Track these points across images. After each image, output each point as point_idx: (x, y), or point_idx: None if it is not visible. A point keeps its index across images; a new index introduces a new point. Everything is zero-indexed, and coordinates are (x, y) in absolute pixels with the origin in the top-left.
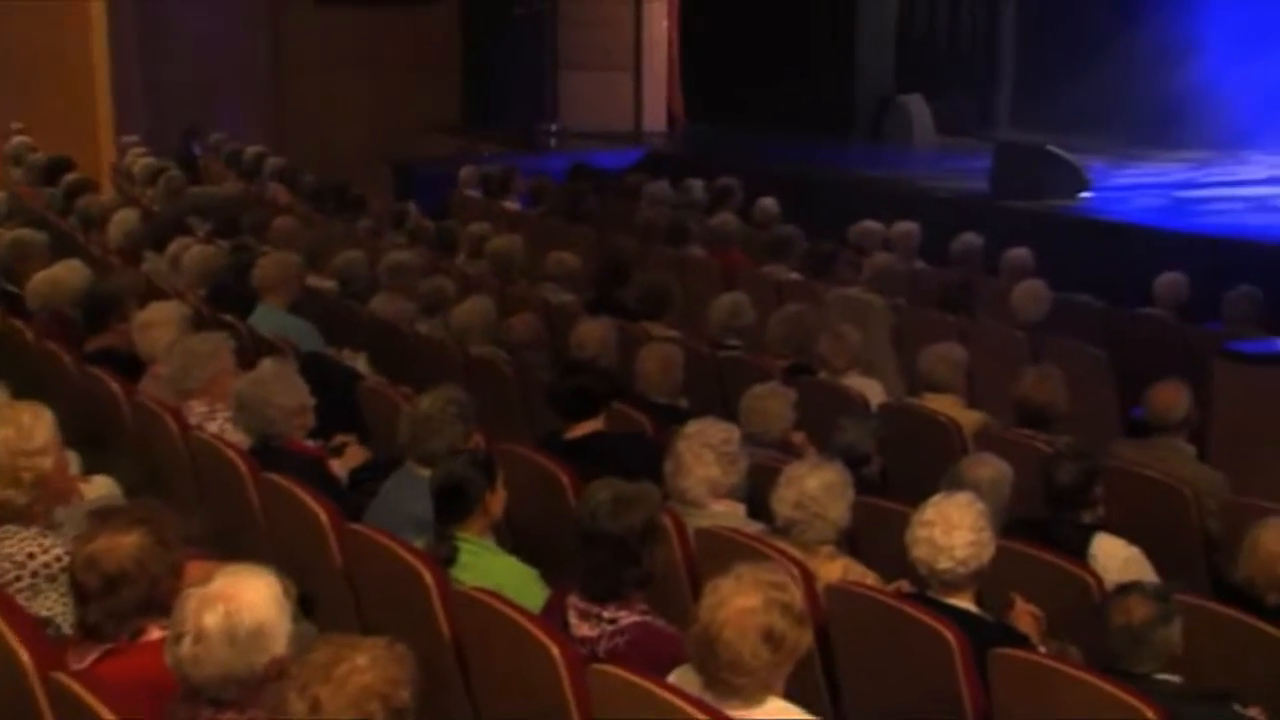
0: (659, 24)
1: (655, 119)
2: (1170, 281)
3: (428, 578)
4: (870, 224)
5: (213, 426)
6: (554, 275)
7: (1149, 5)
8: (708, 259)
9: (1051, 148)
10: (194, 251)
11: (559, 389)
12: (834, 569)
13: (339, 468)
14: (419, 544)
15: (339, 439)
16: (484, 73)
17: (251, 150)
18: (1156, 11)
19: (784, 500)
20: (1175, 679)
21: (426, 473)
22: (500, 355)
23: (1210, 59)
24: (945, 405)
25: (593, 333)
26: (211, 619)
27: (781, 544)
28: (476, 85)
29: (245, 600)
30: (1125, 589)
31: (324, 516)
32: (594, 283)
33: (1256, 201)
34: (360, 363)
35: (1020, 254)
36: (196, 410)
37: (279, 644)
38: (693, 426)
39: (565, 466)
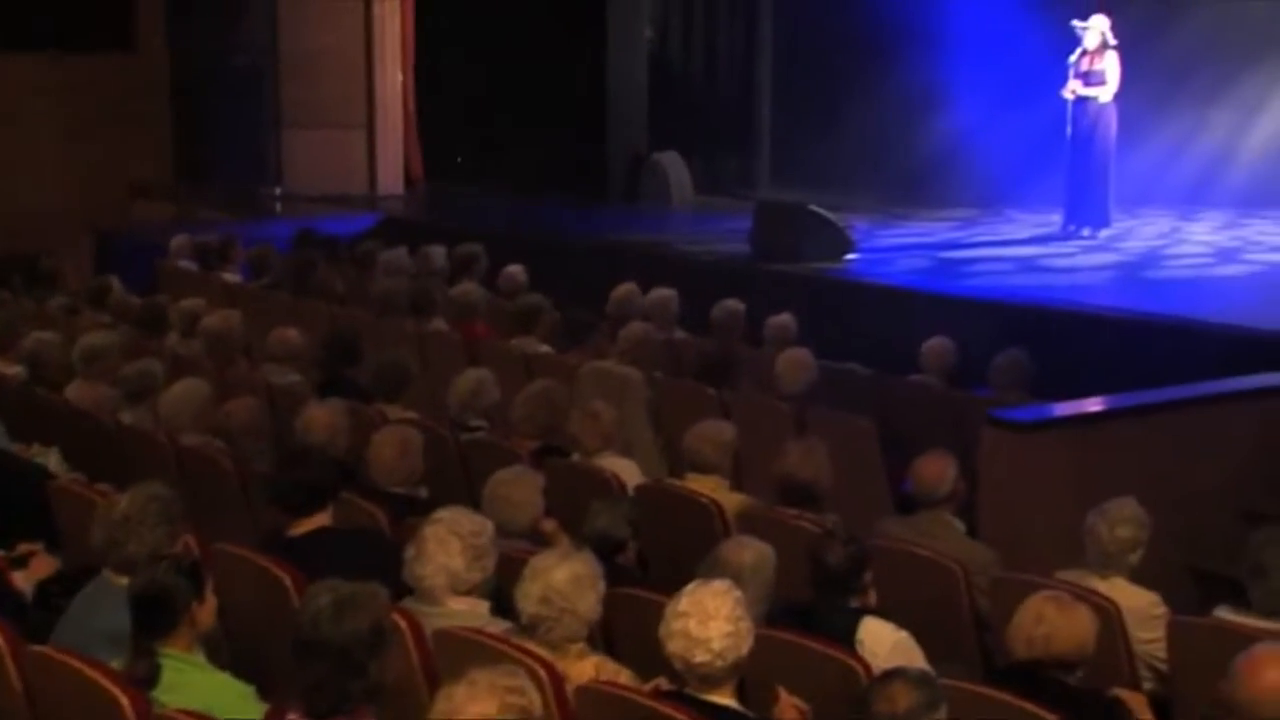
0: (393, 77)
1: (391, 181)
2: (937, 347)
3: (124, 702)
4: (631, 288)
5: None
6: (277, 354)
7: (905, 60)
8: (450, 332)
9: (813, 207)
10: None
11: (281, 481)
12: (585, 668)
13: (23, 580)
14: (115, 664)
15: (23, 547)
16: (198, 129)
17: None
18: (913, 66)
19: (529, 596)
20: None
21: (125, 581)
22: (216, 445)
23: (969, 114)
24: (708, 487)
25: (320, 417)
26: None
27: (528, 643)
28: (189, 143)
29: None
30: (888, 675)
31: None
32: (322, 362)
33: (1023, 262)
34: (51, 459)
35: (783, 321)
36: None
37: None
38: (444, 512)
39: (288, 567)
